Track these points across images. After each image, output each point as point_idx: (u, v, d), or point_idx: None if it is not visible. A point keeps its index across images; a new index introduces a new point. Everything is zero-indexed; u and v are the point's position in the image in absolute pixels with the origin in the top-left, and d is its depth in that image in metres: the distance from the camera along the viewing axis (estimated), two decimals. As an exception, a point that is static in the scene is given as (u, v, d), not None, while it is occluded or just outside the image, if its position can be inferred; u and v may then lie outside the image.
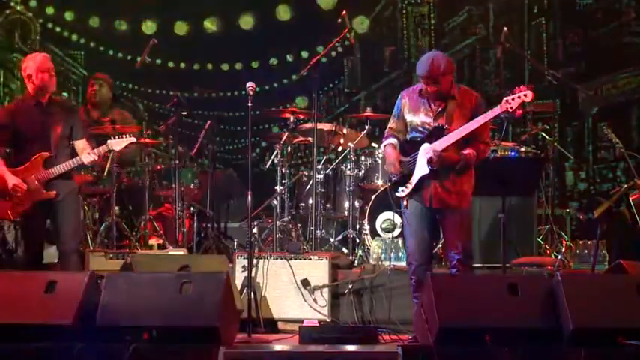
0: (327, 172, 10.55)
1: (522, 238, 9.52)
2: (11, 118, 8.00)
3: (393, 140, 7.56)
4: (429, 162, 7.26)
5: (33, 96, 7.98)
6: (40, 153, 7.92)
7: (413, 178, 7.37)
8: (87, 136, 8.50)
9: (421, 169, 7.33)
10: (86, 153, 7.99)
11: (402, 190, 7.42)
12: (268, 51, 16.51)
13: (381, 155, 10.02)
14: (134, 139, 8.45)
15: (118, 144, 8.21)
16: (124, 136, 8.24)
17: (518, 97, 7.15)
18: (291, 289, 8.55)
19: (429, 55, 7.43)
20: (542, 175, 10.09)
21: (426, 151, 7.30)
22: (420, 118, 7.42)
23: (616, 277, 7.57)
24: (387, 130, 7.68)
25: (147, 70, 11.03)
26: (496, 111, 7.23)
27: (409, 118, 7.48)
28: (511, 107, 7.15)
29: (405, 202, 7.44)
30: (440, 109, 7.36)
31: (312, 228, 9.90)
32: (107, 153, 8.35)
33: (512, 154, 10.09)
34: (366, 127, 10.41)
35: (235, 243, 10.18)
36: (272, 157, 10.58)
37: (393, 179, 7.53)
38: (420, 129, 7.41)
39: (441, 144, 7.22)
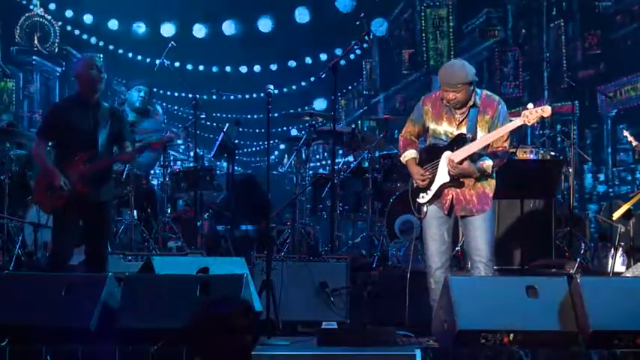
0: (345, 174, 10.55)
1: (541, 241, 9.50)
2: (57, 116, 7.99)
3: (414, 154, 7.48)
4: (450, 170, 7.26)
5: (80, 95, 7.96)
6: (82, 153, 7.87)
7: (434, 185, 7.31)
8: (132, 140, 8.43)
9: (442, 176, 7.28)
10: (122, 149, 7.95)
11: (423, 197, 7.38)
12: (287, 53, 16.56)
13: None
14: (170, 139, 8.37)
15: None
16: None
17: (536, 111, 7.14)
18: (310, 291, 8.52)
19: (451, 64, 7.47)
20: (562, 177, 10.06)
21: (447, 159, 7.28)
22: (443, 127, 7.35)
23: (635, 280, 7.54)
24: (402, 133, 7.62)
25: (165, 72, 11.06)
26: (515, 124, 7.22)
27: (432, 126, 7.40)
28: (529, 121, 7.15)
29: (424, 208, 7.41)
30: (463, 117, 7.30)
31: (331, 230, 9.89)
32: (143, 149, 8.30)
33: (532, 156, 10.07)
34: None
35: (254, 245, 10.18)
36: (290, 160, 10.59)
37: (415, 185, 7.48)
38: (443, 137, 7.35)
39: (458, 155, 7.17)
